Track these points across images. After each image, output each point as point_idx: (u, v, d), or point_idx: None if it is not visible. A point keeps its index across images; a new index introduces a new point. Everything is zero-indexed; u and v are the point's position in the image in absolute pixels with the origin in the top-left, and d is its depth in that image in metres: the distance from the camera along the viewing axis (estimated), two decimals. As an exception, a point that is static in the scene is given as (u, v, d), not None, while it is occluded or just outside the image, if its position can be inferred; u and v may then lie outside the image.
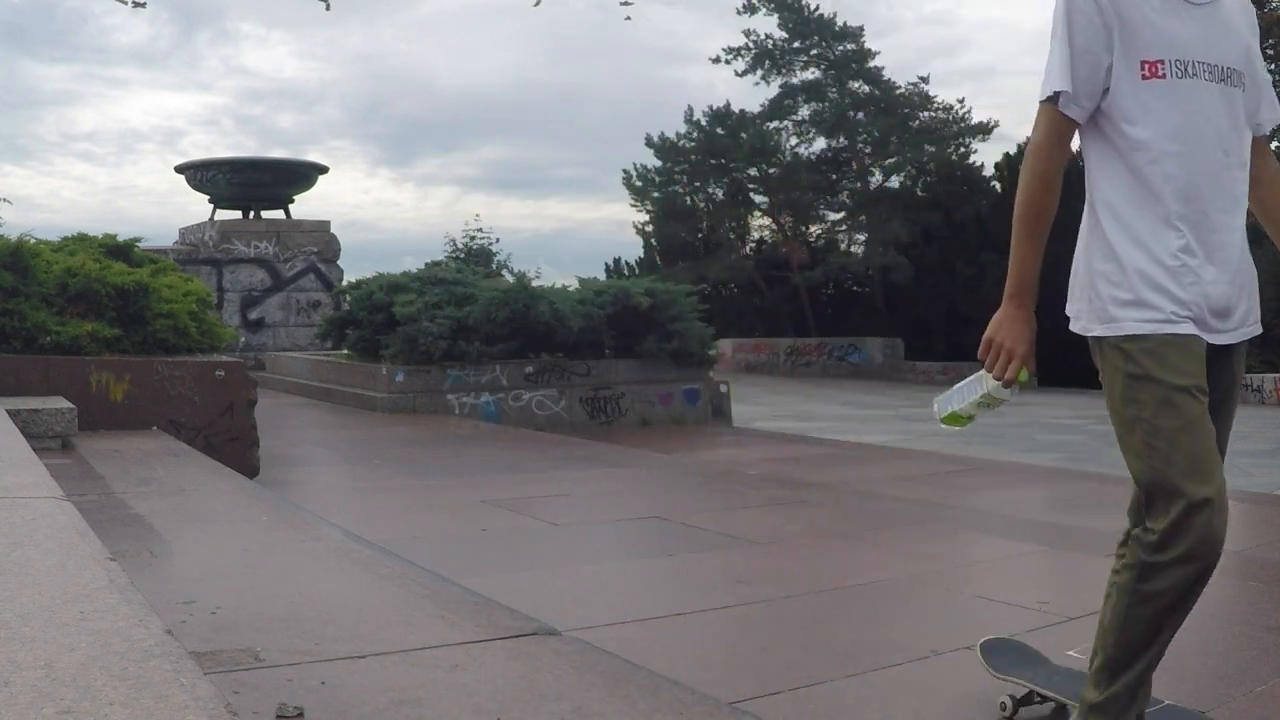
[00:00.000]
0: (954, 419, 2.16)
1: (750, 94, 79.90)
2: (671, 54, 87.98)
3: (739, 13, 31.68)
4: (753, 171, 32.05)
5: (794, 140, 33.00)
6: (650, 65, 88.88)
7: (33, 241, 6.28)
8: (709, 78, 78.08)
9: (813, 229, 33.89)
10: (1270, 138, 2.21)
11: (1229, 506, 1.90)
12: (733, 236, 34.10)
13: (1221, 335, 2.02)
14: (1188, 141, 1.96)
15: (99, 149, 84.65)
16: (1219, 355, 2.03)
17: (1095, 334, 2.02)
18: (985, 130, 31.95)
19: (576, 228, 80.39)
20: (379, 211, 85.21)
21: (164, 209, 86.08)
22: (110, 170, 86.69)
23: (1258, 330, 2.08)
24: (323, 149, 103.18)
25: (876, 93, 32.01)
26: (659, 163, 32.11)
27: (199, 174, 18.38)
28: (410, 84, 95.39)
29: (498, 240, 28.15)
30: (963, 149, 32.48)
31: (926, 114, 32.18)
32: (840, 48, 31.97)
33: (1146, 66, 1.96)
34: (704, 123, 31.36)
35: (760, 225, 34.14)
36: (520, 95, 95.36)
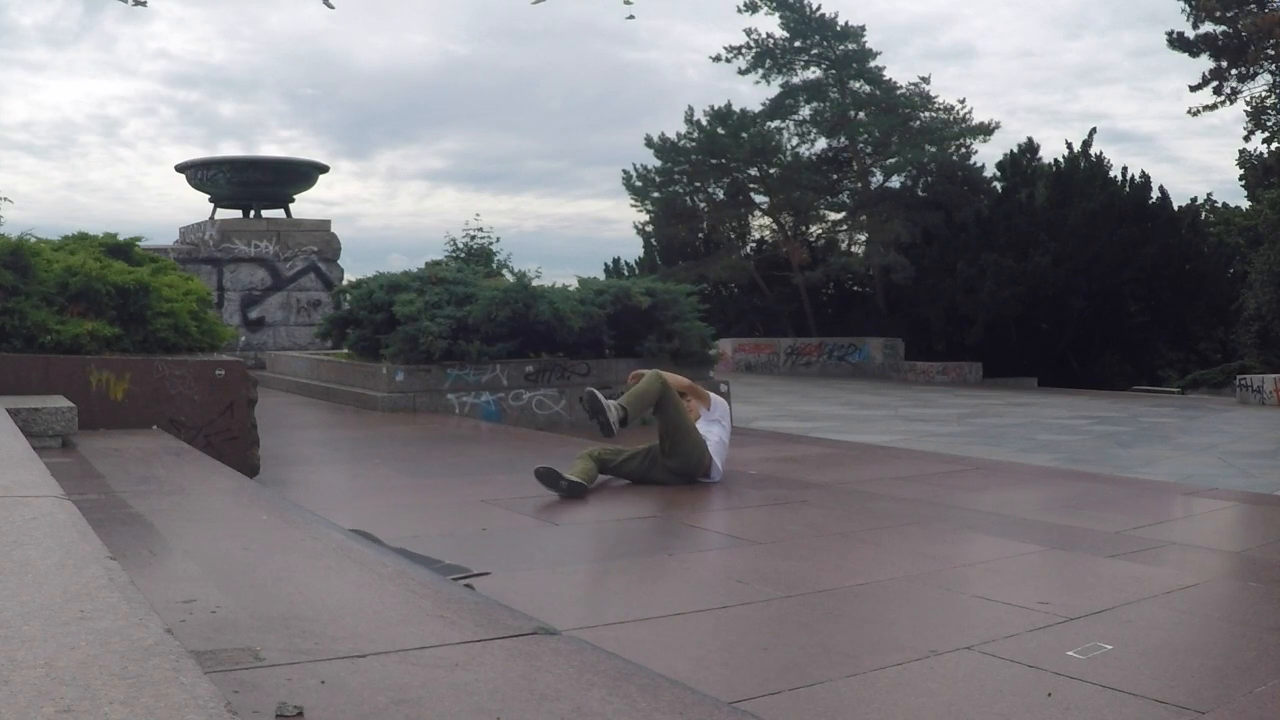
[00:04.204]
0: None
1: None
2: (629, 38, 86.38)
3: (740, 11, 31.73)
4: (753, 171, 32.06)
5: (795, 140, 33.05)
6: (608, 47, 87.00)
7: (33, 240, 6.29)
8: (677, 60, 76.71)
9: (813, 229, 33.92)
10: None
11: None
12: (733, 236, 34.12)
13: None
14: None
15: (39, 141, 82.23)
16: None
17: None
18: (986, 130, 31.98)
19: (557, 226, 79.61)
20: (354, 208, 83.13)
21: (121, 204, 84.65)
22: (59, 164, 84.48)
23: None
24: (275, 140, 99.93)
25: (877, 93, 32.02)
26: (659, 162, 32.12)
27: (199, 173, 18.42)
28: (345, 68, 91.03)
29: (498, 240, 28.25)
30: (963, 149, 32.51)
31: (927, 114, 32.20)
32: (841, 47, 31.97)
33: None
34: (704, 122, 31.35)
35: (761, 225, 34.18)
36: (467, 79, 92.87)
